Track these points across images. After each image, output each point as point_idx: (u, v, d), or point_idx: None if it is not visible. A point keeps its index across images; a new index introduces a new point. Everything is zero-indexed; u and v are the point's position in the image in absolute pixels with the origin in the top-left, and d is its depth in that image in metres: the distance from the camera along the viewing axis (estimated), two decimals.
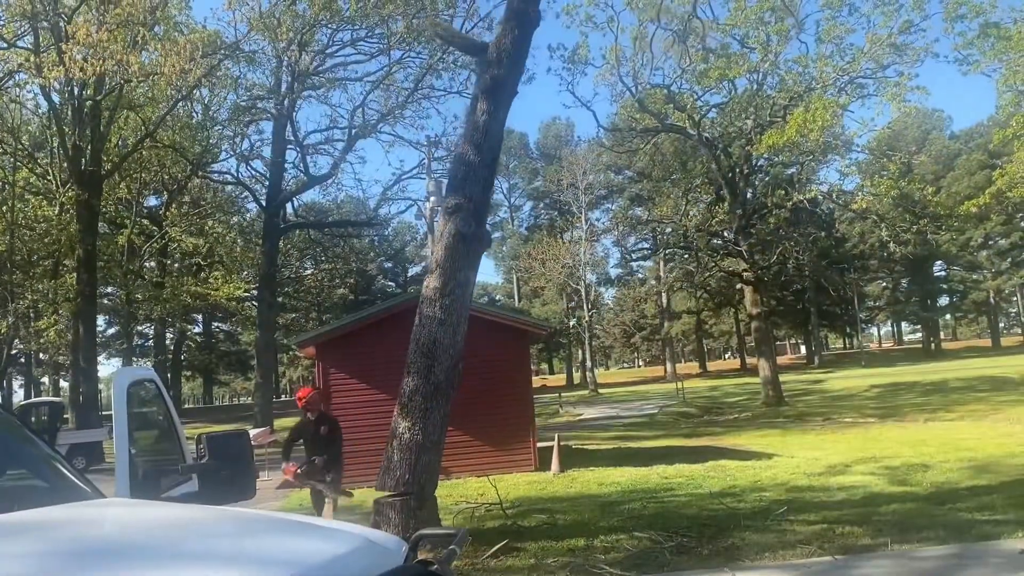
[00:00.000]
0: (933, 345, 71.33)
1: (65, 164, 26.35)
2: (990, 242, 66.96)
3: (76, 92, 24.47)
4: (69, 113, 25.29)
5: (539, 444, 15.37)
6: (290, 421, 35.78)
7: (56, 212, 28.46)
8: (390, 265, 76.24)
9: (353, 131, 35.36)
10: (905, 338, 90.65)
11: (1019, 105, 25.61)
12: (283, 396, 63.74)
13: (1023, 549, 6.42)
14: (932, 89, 25.93)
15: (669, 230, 51.06)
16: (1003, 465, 11.31)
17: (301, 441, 9.57)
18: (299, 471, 8.95)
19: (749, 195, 33.44)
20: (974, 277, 69.69)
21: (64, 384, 41.17)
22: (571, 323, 59.96)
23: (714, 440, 19.31)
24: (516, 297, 73.20)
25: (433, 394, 7.52)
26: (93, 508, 2.83)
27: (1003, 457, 12.09)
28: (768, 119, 28.22)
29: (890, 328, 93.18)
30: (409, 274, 76.70)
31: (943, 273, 74.00)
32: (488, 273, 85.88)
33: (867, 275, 71.85)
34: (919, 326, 79.40)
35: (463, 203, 7.91)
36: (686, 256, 58.43)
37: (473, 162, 8.15)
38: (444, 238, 7.93)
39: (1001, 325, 77.41)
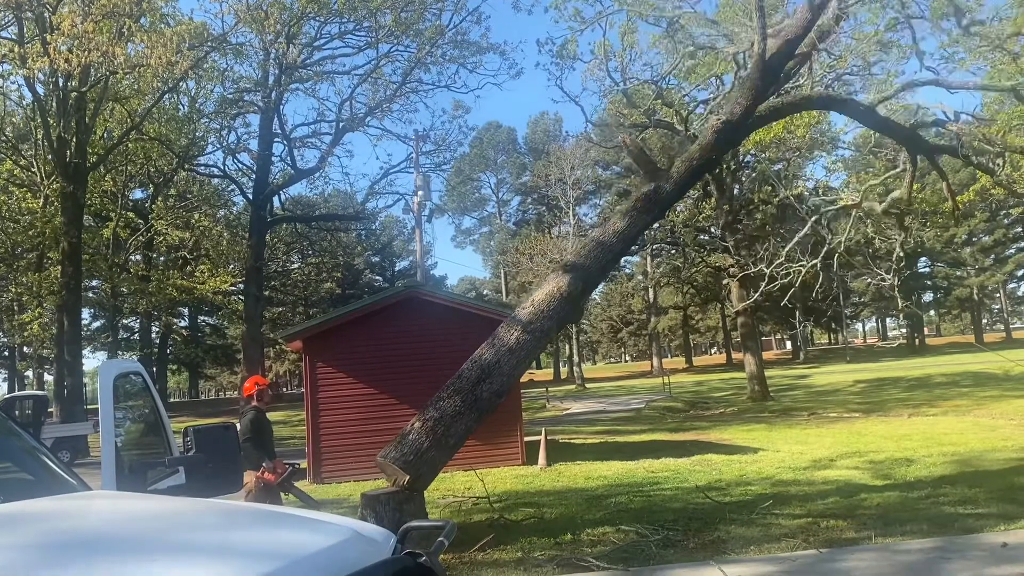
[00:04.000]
0: (917, 341, 71.85)
1: (50, 156, 26.14)
2: (974, 239, 67.48)
3: (61, 83, 24.28)
4: (54, 104, 25.08)
5: (526, 438, 15.40)
6: (280, 415, 35.69)
7: (41, 204, 28.24)
8: (377, 260, 76.02)
9: (341, 125, 35.30)
10: (889, 334, 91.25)
11: (1003, 103, 25.78)
12: (277, 389, 63.43)
13: (1005, 542, 6.49)
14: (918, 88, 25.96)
15: (656, 226, 51.17)
16: (985, 459, 11.42)
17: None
18: (284, 477, 8.06)
19: (736, 191, 33.56)
20: (958, 274, 70.20)
21: (48, 378, 40.88)
22: None
23: (700, 434, 19.40)
24: (504, 292, 73.16)
25: (471, 405, 7.70)
26: (79, 500, 2.82)
27: (985, 451, 12.21)
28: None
29: (875, 324, 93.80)
30: (396, 268, 76.52)
31: (927, 269, 74.52)
32: (476, 268, 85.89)
33: (852, 271, 72.17)
34: (903, 322, 79.97)
35: (583, 270, 8.39)
36: (673, 252, 58.70)
37: (606, 247, 8.66)
38: (550, 284, 8.37)
39: (984, 321, 78.02)
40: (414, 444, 7.44)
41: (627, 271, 74.38)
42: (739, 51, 14.50)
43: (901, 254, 10.38)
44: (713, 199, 31.46)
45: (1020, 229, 65.19)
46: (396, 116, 38.53)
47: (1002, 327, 75.68)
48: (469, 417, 7.70)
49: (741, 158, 32.63)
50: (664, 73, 28.58)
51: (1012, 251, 67.77)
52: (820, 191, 34.71)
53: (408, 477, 7.27)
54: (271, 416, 8.79)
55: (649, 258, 64.66)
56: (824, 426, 19.91)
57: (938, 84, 12.51)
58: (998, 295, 76.04)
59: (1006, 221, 63.09)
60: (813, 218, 13.22)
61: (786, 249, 14.01)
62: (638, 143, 10.00)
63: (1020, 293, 77.78)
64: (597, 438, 20.02)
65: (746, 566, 6.20)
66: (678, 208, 43.00)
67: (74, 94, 24.45)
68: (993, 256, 67.48)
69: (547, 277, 8.51)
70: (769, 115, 10.61)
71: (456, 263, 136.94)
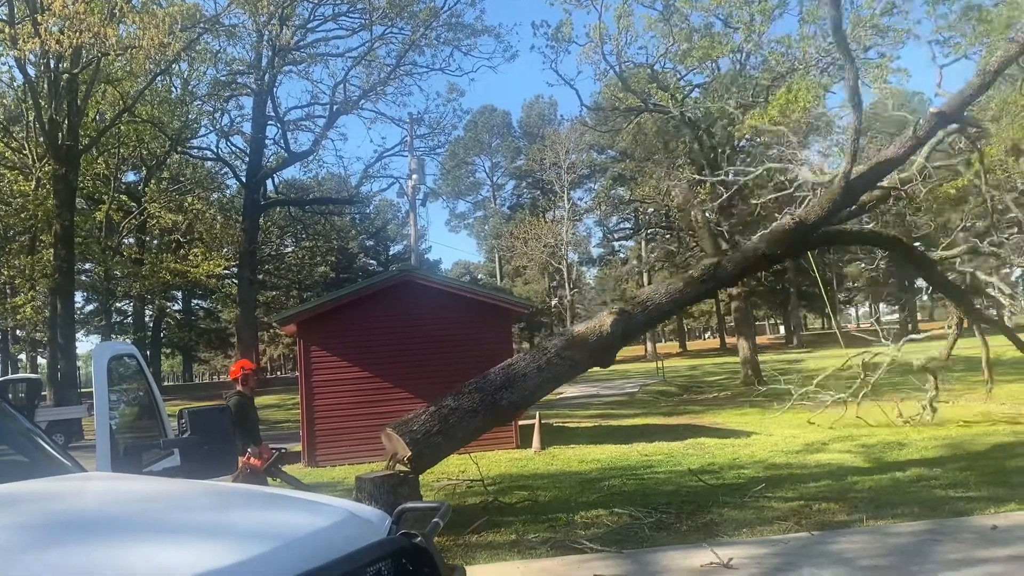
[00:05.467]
0: (911, 326, 72.13)
1: (41, 138, 25.91)
2: (968, 224, 67.67)
3: (52, 65, 24.04)
4: (45, 86, 24.86)
5: (520, 422, 15.43)
6: (274, 399, 35.76)
7: (33, 187, 28.05)
8: (371, 243, 75.81)
9: (334, 107, 35.16)
10: (883, 319, 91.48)
11: (999, 87, 25.74)
12: (267, 374, 63.55)
13: (995, 525, 6.54)
14: (913, 71, 25.97)
15: (651, 210, 51.19)
16: (976, 443, 11.50)
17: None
18: (271, 462, 7.96)
19: (731, 176, 33.49)
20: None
21: (42, 361, 40.82)
22: (553, 302, 60.06)
23: (693, 418, 19.47)
24: (498, 276, 73.16)
25: (488, 407, 7.87)
26: (74, 482, 2.82)
27: (976, 435, 12.29)
28: (751, 99, 28.23)
29: (868, 309, 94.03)
30: (391, 252, 76.35)
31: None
32: (470, 252, 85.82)
33: (846, 256, 72.36)
34: (896, 307, 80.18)
35: (629, 318, 8.64)
36: (667, 236, 58.67)
37: (657, 303, 9.01)
38: (594, 321, 8.66)
39: (978, 306, 78.14)
40: (424, 425, 7.55)
41: (621, 256, 74.39)
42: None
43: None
44: (708, 184, 31.37)
45: (1015, 215, 65.32)
46: (390, 99, 38.32)
47: (994, 312, 76.02)
48: (482, 418, 7.85)
49: (736, 142, 32.55)
50: (659, 56, 28.52)
51: (1006, 237, 67.89)
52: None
53: (410, 454, 7.34)
54: (261, 400, 8.80)
55: (644, 242, 64.64)
56: (817, 410, 19.96)
57: None
58: (992, 280, 76.22)
59: (1000, 207, 63.20)
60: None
61: None
62: (706, 217, 10.47)
63: (1014, 278, 78.06)
64: (591, 422, 20.08)
65: (739, 548, 6.24)
66: (672, 193, 42.92)
67: (66, 76, 24.22)
68: (987, 241, 67.60)
69: (596, 313, 8.88)
70: (836, 236, 11.13)
71: (450, 247, 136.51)
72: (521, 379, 8.04)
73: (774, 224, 9.97)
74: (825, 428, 14.18)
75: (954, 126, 10.51)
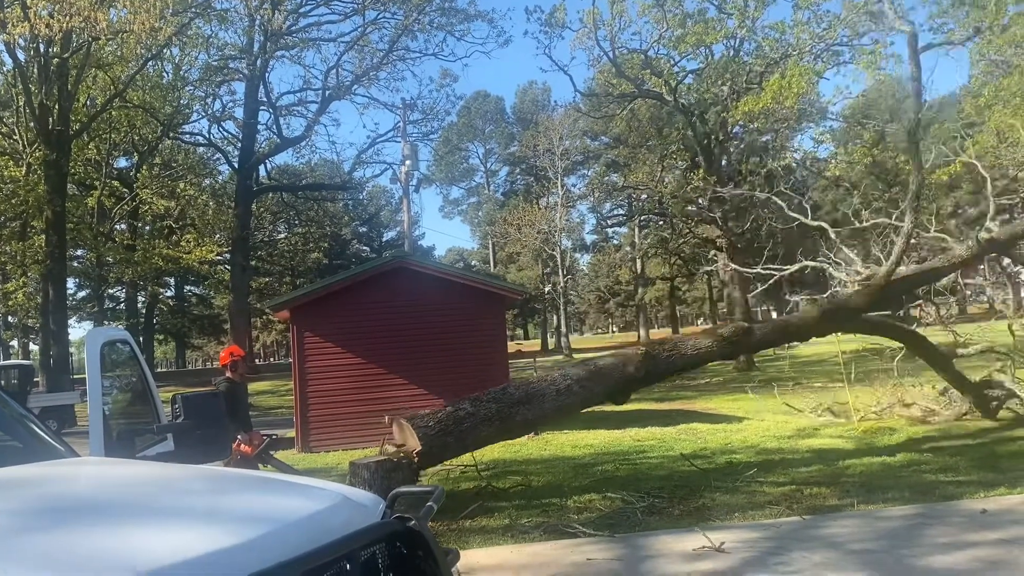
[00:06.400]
0: (902, 312, 72.42)
1: (32, 123, 25.70)
2: (959, 211, 67.68)
3: (42, 49, 23.84)
4: (35, 71, 24.65)
5: None
6: (267, 385, 35.73)
7: (23, 173, 27.85)
8: (364, 230, 75.62)
9: (327, 93, 34.99)
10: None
11: (992, 74, 25.79)
12: (256, 360, 63.36)
13: (984, 509, 6.60)
14: (907, 58, 25.96)
15: (644, 196, 51.14)
16: (966, 428, 11.57)
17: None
18: (261, 448, 7.84)
19: (724, 162, 33.50)
20: (942, 246, 70.37)
21: (34, 347, 40.67)
22: (546, 289, 60.07)
23: (686, 404, 19.55)
24: (492, 262, 73.10)
25: (502, 419, 8.08)
26: (67, 466, 2.82)
27: (966, 422, 12.36)
28: (744, 86, 28.20)
29: None
30: (384, 239, 76.18)
31: (913, 241, 74.77)
32: (463, 239, 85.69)
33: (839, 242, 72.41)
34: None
35: (654, 362, 9.04)
36: (661, 223, 58.65)
37: (684, 354, 9.37)
38: (619, 357, 9.03)
39: (968, 294, 78.56)
40: (440, 424, 7.71)
41: (615, 242, 74.37)
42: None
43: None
44: (701, 170, 31.34)
45: (1005, 201, 65.44)
46: (383, 84, 38.28)
47: (984, 299, 76.32)
48: (495, 427, 8.03)
49: (730, 128, 32.52)
50: (653, 42, 28.43)
51: (996, 224, 68.00)
52: (807, 162, 34.79)
53: (420, 448, 7.42)
54: (255, 387, 8.82)
55: (637, 229, 64.58)
56: (809, 396, 20.05)
57: None
58: (981, 267, 76.55)
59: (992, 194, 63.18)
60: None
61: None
62: (746, 297, 11.25)
63: (1003, 265, 78.30)
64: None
65: (731, 532, 6.29)
66: (666, 179, 42.94)
67: (56, 60, 24.01)
68: (978, 228, 67.66)
69: (623, 350, 9.22)
70: (859, 324, 11.50)
71: (444, 234, 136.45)
72: (539, 398, 8.27)
73: (805, 309, 10.47)
74: (807, 413, 14.22)
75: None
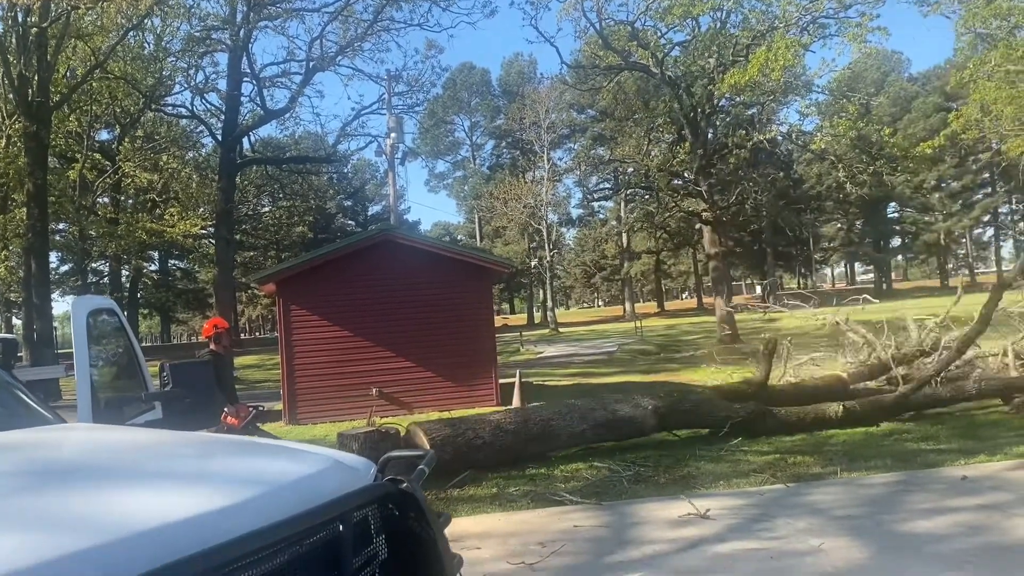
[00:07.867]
0: (885, 285, 72.93)
1: (11, 95, 25.29)
2: (943, 184, 68.05)
3: (20, 19, 23.40)
4: (13, 41, 24.18)
5: (501, 380, 15.54)
6: (254, 359, 35.65)
7: (3, 145, 27.45)
8: (349, 203, 75.29)
9: (311, 64, 34.56)
10: (858, 278, 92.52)
11: (976, 48, 25.83)
12: (242, 335, 63.25)
13: (965, 475, 6.70)
14: (892, 30, 25.91)
15: (631, 170, 51.05)
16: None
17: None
18: (248, 420, 7.62)
19: (710, 135, 33.45)
20: (926, 219, 70.91)
21: (17, 322, 40.37)
22: (532, 263, 60.10)
23: (671, 376, 19.66)
24: (478, 236, 72.98)
25: (518, 449, 8.41)
26: (55, 432, 2.81)
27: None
28: (731, 58, 28.09)
29: (843, 268, 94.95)
30: (369, 213, 75.86)
31: (896, 215, 75.30)
32: (450, 213, 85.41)
33: (823, 216, 72.84)
34: (872, 266, 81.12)
35: (669, 410, 9.29)
36: (647, 196, 58.61)
37: (700, 401, 9.88)
38: (640, 409, 9.11)
39: (949, 266, 79.28)
40: (455, 449, 7.91)
41: (601, 216, 74.40)
42: None
43: None
44: (687, 143, 31.29)
45: (988, 175, 65.79)
46: (368, 55, 37.78)
47: (966, 271, 76.93)
48: (503, 457, 8.26)
49: (716, 102, 32.45)
50: (640, 13, 28.24)
51: (979, 197, 68.53)
52: (793, 135, 34.79)
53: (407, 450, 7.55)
54: (240, 361, 8.80)
55: (623, 203, 64.61)
56: (792, 368, 20.21)
57: None
58: (964, 240, 77.15)
59: (974, 167, 63.58)
60: None
61: None
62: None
63: (986, 238, 78.92)
64: (570, 380, 20.23)
65: (716, 499, 6.36)
66: (652, 153, 42.83)
67: (34, 30, 23.55)
68: (961, 201, 68.15)
69: (638, 396, 9.43)
70: None
71: (430, 207, 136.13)
72: (554, 437, 8.61)
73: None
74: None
75: None
